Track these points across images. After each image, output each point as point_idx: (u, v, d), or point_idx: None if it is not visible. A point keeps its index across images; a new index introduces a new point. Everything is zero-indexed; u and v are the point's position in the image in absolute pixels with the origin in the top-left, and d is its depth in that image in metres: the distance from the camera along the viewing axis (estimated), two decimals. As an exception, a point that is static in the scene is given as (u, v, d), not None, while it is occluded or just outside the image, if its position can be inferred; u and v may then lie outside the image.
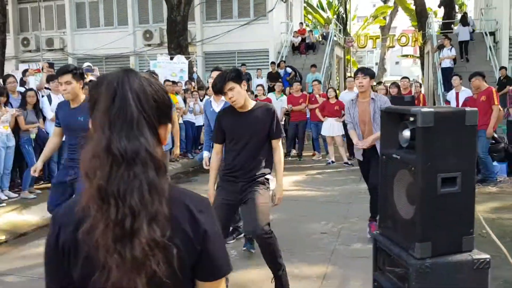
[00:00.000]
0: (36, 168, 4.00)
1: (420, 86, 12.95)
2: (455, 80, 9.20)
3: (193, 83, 11.74)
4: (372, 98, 4.49)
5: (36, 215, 5.56)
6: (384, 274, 2.47)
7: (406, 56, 32.51)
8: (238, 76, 3.18)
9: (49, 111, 6.60)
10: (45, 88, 7.01)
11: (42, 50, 18.80)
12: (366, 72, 4.61)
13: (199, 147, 10.69)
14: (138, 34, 18.16)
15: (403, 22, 56.48)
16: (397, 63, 66.34)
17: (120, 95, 0.95)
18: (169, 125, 1.07)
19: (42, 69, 7.76)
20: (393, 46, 20.25)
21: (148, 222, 0.91)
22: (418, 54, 31.63)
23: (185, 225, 0.99)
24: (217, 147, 3.41)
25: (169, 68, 11.76)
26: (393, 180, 2.37)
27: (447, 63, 13.74)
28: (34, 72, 7.28)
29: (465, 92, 9.01)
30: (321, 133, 9.34)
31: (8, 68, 17.13)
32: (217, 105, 4.33)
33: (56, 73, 5.04)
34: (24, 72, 7.78)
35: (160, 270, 0.92)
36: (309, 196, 6.69)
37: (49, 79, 6.70)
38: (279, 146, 3.35)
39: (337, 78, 20.45)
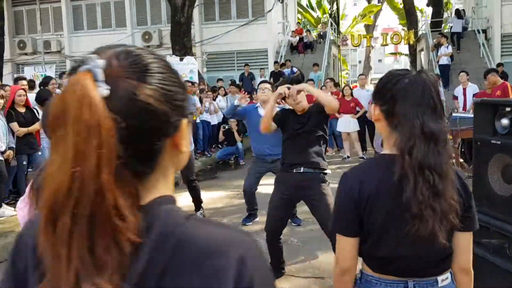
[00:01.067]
0: None
1: None
2: (462, 76, 9.64)
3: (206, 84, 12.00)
4: None
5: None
6: (479, 245, 2.81)
7: (395, 54, 33.14)
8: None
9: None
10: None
11: (38, 52, 18.77)
12: None
13: (214, 146, 10.95)
14: (136, 36, 18.26)
15: (384, 21, 57.56)
16: (380, 60, 67.64)
17: (427, 90, 1.25)
18: None
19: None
20: (386, 45, 20.73)
21: (450, 186, 1.22)
22: (404, 52, 32.48)
23: (459, 187, 1.30)
24: None
25: (179, 69, 11.76)
26: (488, 163, 2.70)
27: (444, 60, 14.26)
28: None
29: (472, 88, 9.46)
30: (337, 129, 9.70)
31: (5, 71, 17.08)
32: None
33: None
34: (61, 75, 7.92)
35: (454, 221, 1.23)
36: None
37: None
38: None
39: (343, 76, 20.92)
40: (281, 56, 16.98)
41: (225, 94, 11.58)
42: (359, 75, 11.47)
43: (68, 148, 0.58)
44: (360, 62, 53.24)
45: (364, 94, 9.71)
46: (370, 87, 11.18)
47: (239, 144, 9.61)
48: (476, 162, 2.80)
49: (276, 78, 14.66)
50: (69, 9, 18.93)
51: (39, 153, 5.71)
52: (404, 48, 30.42)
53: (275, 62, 15.21)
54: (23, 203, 1.71)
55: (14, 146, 5.63)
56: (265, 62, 17.16)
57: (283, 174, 3.63)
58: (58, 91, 6.62)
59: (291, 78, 13.96)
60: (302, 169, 3.51)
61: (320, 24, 21.43)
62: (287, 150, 3.61)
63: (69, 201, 0.58)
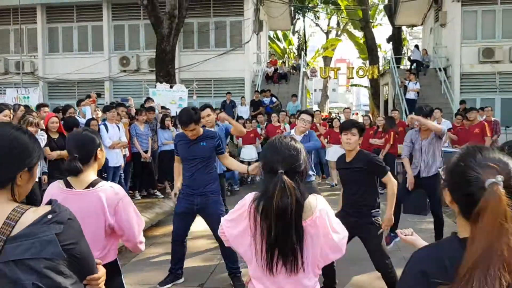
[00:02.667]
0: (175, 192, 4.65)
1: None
2: (436, 113, 10.59)
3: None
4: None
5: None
6: None
7: (355, 85, 34.84)
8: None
9: (107, 139, 7.07)
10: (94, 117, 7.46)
11: (10, 73, 18.51)
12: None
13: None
14: (113, 60, 18.42)
15: (337, 52, 60.31)
16: (334, 90, 70.53)
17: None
18: None
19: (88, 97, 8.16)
20: (352, 78, 21.97)
21: None
22: (356, 82, 34.21)
23: None
24: None
25: (169, 96, 12.34)
26: None
27: (411, 95, 15.46)
28: (90, 102, 7.66)
29: (445, 124, 10.45)
30: (326, 157, 10.38)
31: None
32: (299, 137, 5.15)
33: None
34: (79, 102, 8.13)
35: None
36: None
37: (106, 109, 7.19)
38: None
39: (308, 105, 21.84)
40: (257, 85, 17.68)
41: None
42: (345, 108, 12.34)
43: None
44: (315, 90, 55.37)
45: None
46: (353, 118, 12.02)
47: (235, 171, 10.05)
48: None
49: (256, 106, 15.34)
50: (44, 30, 18.84)
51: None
52: (357, 79, 32.18)
53: (256, 91, 15.88)
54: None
55: (47, 171, 5.86)
56: (242, 90, 17.79)
57: None
58: (82, 120, 6.88)
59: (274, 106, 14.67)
60: None
61: (295, 57, 22.41)
62: None
63: None
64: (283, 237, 1.81)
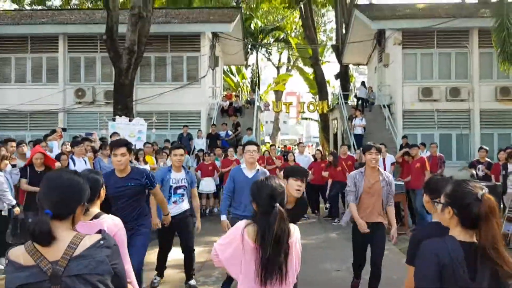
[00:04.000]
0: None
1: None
2: (381, 148, 11.52)
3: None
4: (381, 173, 5.16)
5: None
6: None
7: (306, 119, 36.16)
8: None
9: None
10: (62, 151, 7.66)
11: (-42, 102, 18.03)
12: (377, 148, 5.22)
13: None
14: (68, 92, 18.40)
15: (290, 86, 62.39)
16: (284, 122, 72.32)
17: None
18: None
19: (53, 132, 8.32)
20: (303, 112, 22.98)
21: None
22: (307, 116, 35.67)
23: None
24: None
25: (128, 129, 12.57)
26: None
27: (358, 131, 16.49)
28: (57, 137, 7.84)
29: (389, 158, 11.35)
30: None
31: None
32: (250, 173, 5.21)
33: (111, 144, 5.27)
34: (45, 136, 8.24)
35: None
36: (308, 243, 8.21)
37: (75, 144, 7.43)
38: None
39: (261, 138, 22.55)
40: (213, 119, 18.20)
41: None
42: (299, 143, 13.08)
43: None
44: (267, 122, 56.78)
45: (303, 160, 11.18)
46: (308, 154, 12.75)
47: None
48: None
49: (212, 139, 15.79)
50: (-4, 60, 18.60)
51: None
52: (308, 112, 33.72)
53: (213, 125, 16.35)
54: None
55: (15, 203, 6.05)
56: (198, 123, 18.23)
57: None
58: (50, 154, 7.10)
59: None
60: None
61: (249, 91, 23.21)
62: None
63: None
64: (275, 257, 2.36)
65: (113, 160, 4.51)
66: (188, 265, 5.70)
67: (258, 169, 5.26)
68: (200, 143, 15.45)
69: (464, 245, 2.01)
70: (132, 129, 12.67)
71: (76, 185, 1.92)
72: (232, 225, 3.80)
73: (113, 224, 2.84)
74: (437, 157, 10.52)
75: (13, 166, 6.71)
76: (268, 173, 4.84)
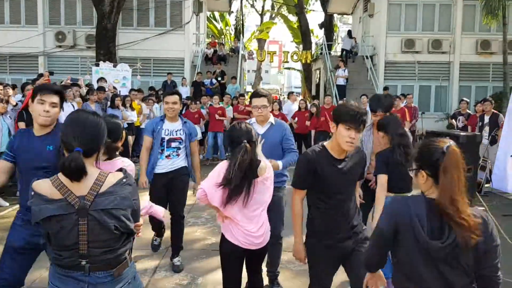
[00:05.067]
0: None
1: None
2: (363, 99, 11.84)
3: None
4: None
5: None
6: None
7: (288, 68, 36.05)
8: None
9: (63, 117, 7.38)
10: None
11: None
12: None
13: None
14: (48, 35, 17.97)
15: (273, 35, 61.62)
16: (266, 71, 71.89)
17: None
18: None
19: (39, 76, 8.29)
20: (287, 61, 22.97)
21: None
22: (289, 66, 35.56)
23: None
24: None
25: (112, 75, 12.54)
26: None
27: (341, 81, 16.71)
28: (44, 81, 7.84)
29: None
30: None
31: None
32: (261, 128, 4.09)
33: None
34: (34, 80, 8.20)
35: None
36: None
37: (63, 88, 7.47)
38: None
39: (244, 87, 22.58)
40: (197, 66, 18.12)
41: (159, 101, 12.42)
42: (291, 92, 13.28)
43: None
44: (249, 71, 56.44)
45: (291, 108, 11.44)
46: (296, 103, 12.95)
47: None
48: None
49: (197, 87, 15.83)
50: (-28, 0, 17.92)
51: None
52: (291, 62, 33.65)
53: (198, 73, 16.32)
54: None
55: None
56: (181, 70, 18.15)
57: None
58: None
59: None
60: None
61: (234, 40, 22.97)
62: None
63: None
64: (241, 184, 2.89)
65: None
66: (175, 235, 4.81)
67: (271, 123, 4.13)
68: (184, 91, 15.45)
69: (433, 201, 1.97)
70: (117, 75, 12.63)
71: (100, 125, 2.10)
72: None
73: (126, 165, 3.06)
74: (412, 108, 10.88)
75: None
76: (284, 126, 4.20)
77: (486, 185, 8.23)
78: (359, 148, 3.11)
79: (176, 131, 4.67)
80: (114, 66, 12.91)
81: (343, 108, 2.85)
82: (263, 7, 37.24)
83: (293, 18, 30.79)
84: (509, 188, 7.71)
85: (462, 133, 4.22)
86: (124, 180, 2.06)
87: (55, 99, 3.00)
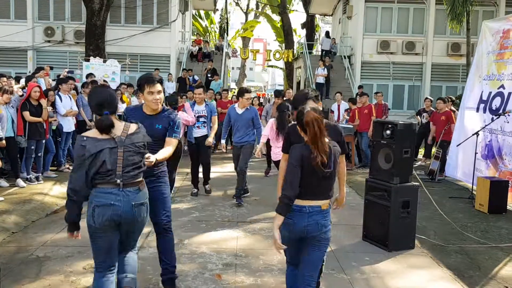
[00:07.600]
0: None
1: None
2: (338, 96, 12.70)
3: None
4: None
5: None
6: (371, 195, 5.36)
7: (271, 66, 36.90)
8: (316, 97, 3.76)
9: (62, 108, 8.12)
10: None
11: None
12: None
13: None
14: (37, 30, 18.50)
15: (257, 33, 62.29)
16: (251, 69, 72.66)
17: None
18: None
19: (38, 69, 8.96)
20: (269, 60, 23.82)
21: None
22: (272, 64, 36.49)
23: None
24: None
25: (101, 70, 13.22)
26: (378, 153, 5.27)
27: (320, 80, 17.61)
28: (44, 75, 8.53)
29: (344, 105, 12.59)
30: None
31: None
32: (240, 110, 7.23)
33: (147, 81, 3.65)
34: (33, 74, 8.86)
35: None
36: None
37: (62, 81, 8.20)
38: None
39: (228, 84, 23.35)
40: (183, 63, 18.85)
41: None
42: (287, 89, 14.08)
43: None
44: (233, 68, 57.21)
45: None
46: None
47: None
48: (373, 152, 5.38)
49: (182, 83, 16.58)
50: (-39, -6, 18.34)
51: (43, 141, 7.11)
52: (274, 60, 34.63)
53: (184, 69, 17.06)
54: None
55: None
56: (167, 66, 18.86)
57: None
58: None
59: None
60: None
61: (218, 37, 23.69)
62: None
63: None
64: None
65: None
66: (206, 174, 7.64)
67: (247, 108, 7.22)
68: (170, 86, 16.19)
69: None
70: (106, 70, 13.30)
71: (113, 94, 3.06)
72: (232, 150, 7.71)
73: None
74: (382, 105, 11.80)
75: None
76: (255, 110, 7.37)
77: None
78: (335, 125, 3.71)
79: (201, 111, 7.21)
80: (104, 61, 13.57)
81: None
82: (248, 5, 38.04)
83: (276, 18, 31.62)
84: (459, 175, 8.73)
85: (400, 122, 5.10)
86: (140, 128, 3.07)
87: (159, 87, 3.53)
